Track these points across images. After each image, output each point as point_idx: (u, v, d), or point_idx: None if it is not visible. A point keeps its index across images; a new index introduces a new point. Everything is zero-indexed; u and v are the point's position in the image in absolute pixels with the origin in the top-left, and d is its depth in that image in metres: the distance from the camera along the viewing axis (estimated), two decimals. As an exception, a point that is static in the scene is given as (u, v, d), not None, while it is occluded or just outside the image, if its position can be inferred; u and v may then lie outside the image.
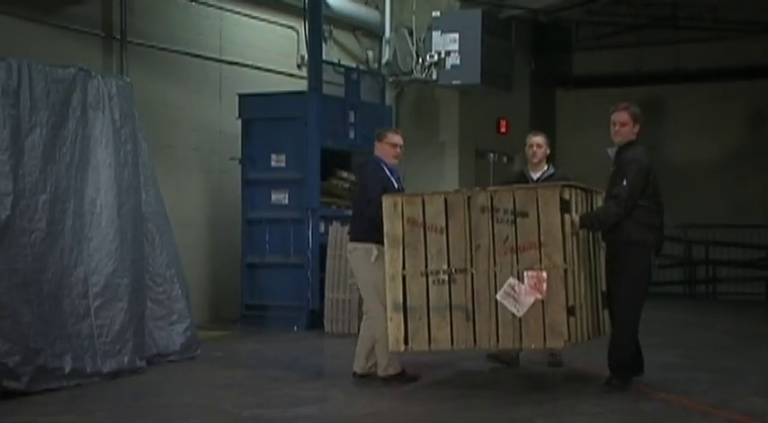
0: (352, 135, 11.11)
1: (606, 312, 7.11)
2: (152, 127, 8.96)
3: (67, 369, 7.01)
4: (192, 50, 10.68)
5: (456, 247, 6.57)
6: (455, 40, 12.21)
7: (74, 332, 7.20)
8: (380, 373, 7.07)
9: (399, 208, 6.68)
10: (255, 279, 10.64)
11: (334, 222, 10.39)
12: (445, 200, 6.64)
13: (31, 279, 6.97)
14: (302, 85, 11.21)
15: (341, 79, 11.23)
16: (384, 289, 6.75)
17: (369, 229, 6.97)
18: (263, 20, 11.61)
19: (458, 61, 12.22)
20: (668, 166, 15.38)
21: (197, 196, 10.90)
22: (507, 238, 6.45)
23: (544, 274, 6.33)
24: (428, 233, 6.62)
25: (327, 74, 10.96)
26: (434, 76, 12.35)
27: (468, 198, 6.61)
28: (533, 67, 15.82)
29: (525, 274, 6.39)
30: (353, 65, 12.25)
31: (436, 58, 12.23)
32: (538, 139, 7.85)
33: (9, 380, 6.54)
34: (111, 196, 7.65)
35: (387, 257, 6.69)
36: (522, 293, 6.38)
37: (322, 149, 10.46)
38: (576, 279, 6.56)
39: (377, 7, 13.08)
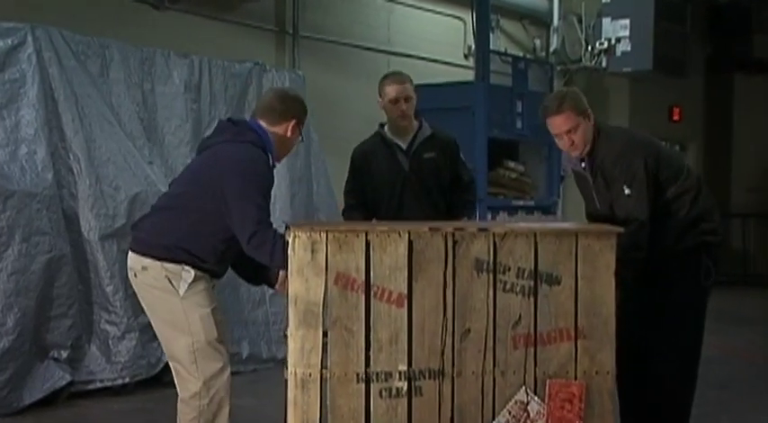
0: (519, 125, 10.98)
1: None
2: (322, 118, 9.14)
3: (245, 354, 7.29)
4: (362, 43, 10.84)
5: (425, 332, 3.72)
6: (626, 27, 11.90)
7: (250, 319, 7.47)
8: None
9: (322, 252, 3.66)
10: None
11: (500, 213, 10.34)
12: (410, 243, 3.67)
13: (212, 267, 7.24)
14: (469, 76, 11.19)
15: (508, 69, 11.12)
16: (213, 336, 4.10)
17: (178, 243, 4.06)
18: (430, 11, 11.65)
19: (628, 48, 11.90)
20: None
21: (365, 186, 11.03)
22: (520, 320, 3.76)
23: (580, 387, 3.74)
24: (375, 303, 3.68)
25: (494, 63, 10.88)
26: (604, 64, 12.10)
27: (455, 243, 3.70)
28: (709, 52, 15.19)
29: (548, 384, 3.76)
30: (521, 54, 12.11)
31: (606, 45, 11.96)
32: (403, 88, 5.10)
33: (191, 362, 6.79)
34: (283, 186, 7.88)
35: (294, 344, 3.72)
36: (540, 418, 3.80)
37: (489, 139, 10.38)
38: None
39: (545, -5, 12.90)
